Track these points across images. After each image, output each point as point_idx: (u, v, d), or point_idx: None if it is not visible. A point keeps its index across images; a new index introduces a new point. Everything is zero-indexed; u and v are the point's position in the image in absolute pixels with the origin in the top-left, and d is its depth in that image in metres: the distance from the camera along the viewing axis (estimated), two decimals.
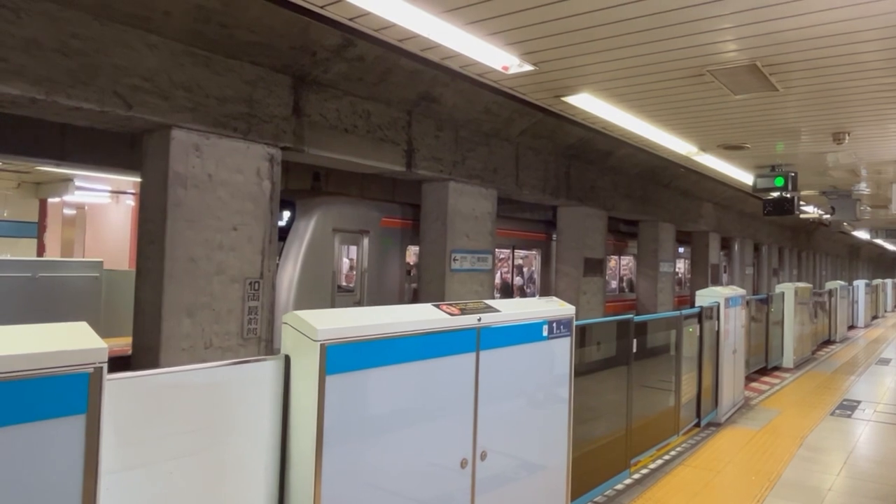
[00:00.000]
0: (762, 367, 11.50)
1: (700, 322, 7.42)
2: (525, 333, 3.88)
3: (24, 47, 4.65)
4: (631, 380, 5.75)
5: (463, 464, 3.36)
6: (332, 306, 8.74)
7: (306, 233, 8.72)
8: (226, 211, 5.97)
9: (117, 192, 16.81)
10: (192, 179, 5.71)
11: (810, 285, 14.81)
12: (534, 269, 14.02)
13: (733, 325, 8.26)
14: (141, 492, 2.25)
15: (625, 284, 16.74)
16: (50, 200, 16.11)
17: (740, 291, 8.64)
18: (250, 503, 2.58)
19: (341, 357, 2.67)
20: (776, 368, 12.05)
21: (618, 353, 5.68)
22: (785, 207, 11.15)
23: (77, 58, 4.92)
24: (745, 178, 11.95)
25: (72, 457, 1.87)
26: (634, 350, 5.81)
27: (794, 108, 7.27)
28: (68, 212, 16.60)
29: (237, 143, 6.06)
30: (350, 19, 5.01)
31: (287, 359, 2.68)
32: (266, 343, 6.29)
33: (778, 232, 24.76)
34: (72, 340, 1.91)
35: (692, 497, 5.24)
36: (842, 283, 18.54)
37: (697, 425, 7.35)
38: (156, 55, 5.39)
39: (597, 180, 11.98)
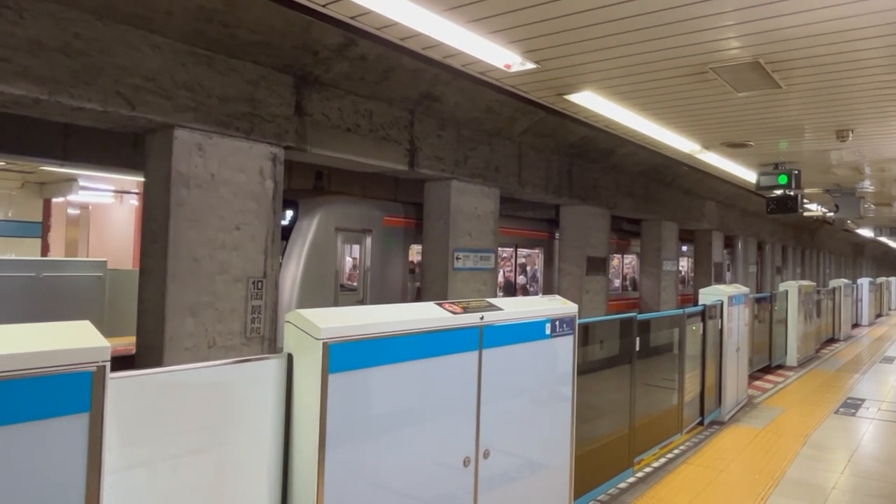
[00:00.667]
0: (766, 365, 11.48)
1: (703, 320, 7.41)
2: (528, 332, 3.87)
3: (28, 48, 4.66)
4: (634, 378, 5.74)
5: (466, 462, 3.36)
6: (335, 305, 8.75)
7: (309, 232, 8.73)
8: (229, 210, 5.98)
9: (121, 192, 16.85)
10: (194, 179, 5.72)
11: (814, 283, 14.77)
12: (536, 267, 14.01)
13: (736, 324, 8.25)
14: (144, 490, 2.25)
15: (628, 283, 16.72)
16: (54, 200, 16.17)
17: (743, 290, 8.62)
18: (253, 501, 2.58)
19: (344, 355, 2.67)
20: (780, 367, 12.03)
21: (621, 352, 5.68)
22: (788, 205, 11.13)
23: (80, 58, 4.93)
24: (749, 176, 11.92)
25: (75, 455, 1.88)
26: (637, 348, 5.81)
27: (797, 106, 7.25)
28: (72, 211, 16.65)
29: (240, 143, 6.06)
30: (352, 18, 5.01)
31: (290, 357, 2.68)
32: (269, 342, 6.30)
33: (781, 230, 24.70)
34: (75, 339, 1.91)
35: (696, 495, 5.23)
36: (846, 281, 18.49)
37: (701, 424, 7.34)
38: (158, 55, 5.40)
39: (599, 179, 11.97)
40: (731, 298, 7.90)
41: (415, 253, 10.39)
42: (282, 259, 8.34)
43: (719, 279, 18.17)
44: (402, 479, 3.03)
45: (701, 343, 7.40)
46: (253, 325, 6.14)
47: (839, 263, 37.80)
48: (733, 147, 9.69)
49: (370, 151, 7.40)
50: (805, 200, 14.07)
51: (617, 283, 15.98)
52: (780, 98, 6.91)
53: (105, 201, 17.25)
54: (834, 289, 16.86)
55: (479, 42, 5.37)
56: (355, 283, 9.60)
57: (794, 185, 10.42)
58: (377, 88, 7.20)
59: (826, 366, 12.43)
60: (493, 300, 3.77)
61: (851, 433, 7.32)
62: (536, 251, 13.77)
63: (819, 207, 16.87)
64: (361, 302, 9.32)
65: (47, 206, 16.25)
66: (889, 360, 13.13)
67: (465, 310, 3.43)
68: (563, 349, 4.23)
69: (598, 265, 12.17)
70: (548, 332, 4.04)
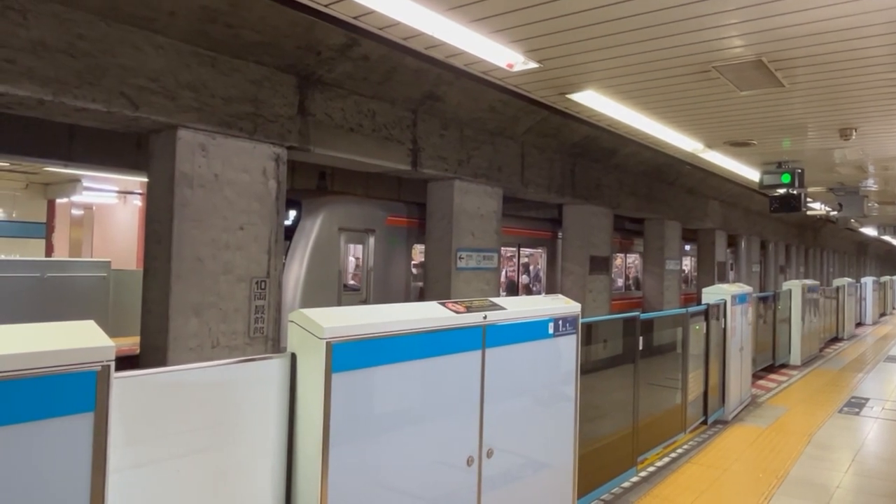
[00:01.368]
0: (769, 364, 11.45)
1: (706, 320, 7.40)
2: (531, 331, 3.87)
3: (32, 49, 4.68)
4: (637, 378, 5.74)
5: (469, 461, 3.36)
6: (339, 305, 8.76)
7: (312, 232, 8.75)
8: (232, 210, 5.99)
9: (124, 193, 16.88)
10: (198, 179, 5.73)
11: (817, 282, 14.74)
12: (539, 267, 14.00)
13: (740, 323, 8.23)
14: (148, 489, 2.26)
15: (631, 282, 16.70)
16: (58, 201, 16.22)
17: (747, 289, 8.60)
18: (257, 500, 2.59)
19: (347, 355, 2.67)
20: (783, 366, 12.00)
21: (624, 351, 5.67)
22: (792, 204, 11.10)
23: (84, 59, 4.95)
24: (752, 174, 11.89)
25: (80, 454, 1.88)
26: (641, 348, 5.80)
27: (800, 104, 7.23)
28: (76, 212, 16.70)
29: (243, 143, 6.07)
30: (354, 18, 5.02)
31: (293, 357, 2.69)
32: (273, 342, 6.31)
33: (784, 229, 24.64)
34: (80, 339, 1.92)
35: (700, 495, 5.23)
36: (849, 280, 18.43)
37: (704, 423, 7.33)
38: (162, 56, 5.41)
39: (602, 178, 11.96)
40: (734, 297, 7.89)
41: (418, 253, 10.39)
42: (285, 259, 8.35)
43: (722, 278, 18.14)
44: (406, 478, 3.03)
45: (704, 342, 7.39)
46: (256, 324, 6.16)
47: (843, 262, 37.70)
48: (736, 146, 9.68)
49: (373, 151, 7.41)
50: (808, 199, 14.05)
51: (620, 282, 15.97)
52: (783, 97, 6.89)
53: (109, 202, 17.30)
54: (837, 288, 16.81)
55: (482, 41, 5.37)
56: (358, 283, 9.60)
57: (797, 183, 10.39)
58: (380, 88, 7.21)
59: (830, 365, 12.39)
60: (496, 300, 3.77)
61: (855, 432, 7.30)
62: (539, 251, 13.77)
63: (822, 206, 16.84)
64: (364, 302, 9.32)
65: (51, 206, 16.30)
66: (893, 359, 13.09)
67: (469, 309, 3.43)
68: (567, 348, 4.23)
69: (601, 264, 12.16)
70: (551, 331, 4.03)
